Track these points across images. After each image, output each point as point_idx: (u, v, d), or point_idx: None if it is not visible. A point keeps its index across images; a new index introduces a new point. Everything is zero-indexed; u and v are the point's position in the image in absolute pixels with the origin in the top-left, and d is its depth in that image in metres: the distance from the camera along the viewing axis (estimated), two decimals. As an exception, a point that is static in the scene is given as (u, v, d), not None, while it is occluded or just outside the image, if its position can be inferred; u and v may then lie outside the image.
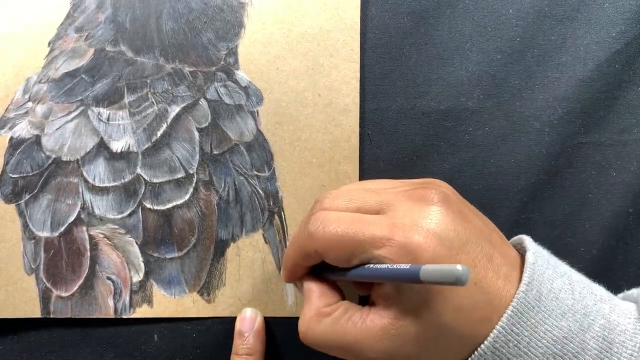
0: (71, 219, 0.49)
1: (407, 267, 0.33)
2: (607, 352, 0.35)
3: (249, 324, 0.48)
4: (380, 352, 0.36)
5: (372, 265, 0.36)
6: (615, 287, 0.49)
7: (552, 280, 0.36)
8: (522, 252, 0.39)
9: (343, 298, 0.41)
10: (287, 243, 0.50)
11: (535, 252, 0.38)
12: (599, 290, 0.38)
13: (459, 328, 0.35)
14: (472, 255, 0.35)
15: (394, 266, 0.34)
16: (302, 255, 0.40)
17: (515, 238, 0.41)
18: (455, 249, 0.35)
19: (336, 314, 0.38)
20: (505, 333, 0.34)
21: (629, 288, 0.49)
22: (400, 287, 0.36)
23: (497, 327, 0.34)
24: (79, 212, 0.49)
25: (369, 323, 0.37)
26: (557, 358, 0.34)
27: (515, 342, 0.34)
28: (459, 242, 0.35)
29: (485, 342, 0.35)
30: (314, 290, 0.41)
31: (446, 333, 0.35)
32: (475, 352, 0.35)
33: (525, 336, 0.34)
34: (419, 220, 0.36)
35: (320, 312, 0.39)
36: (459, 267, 0.30)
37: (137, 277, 0.49)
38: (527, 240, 0.39)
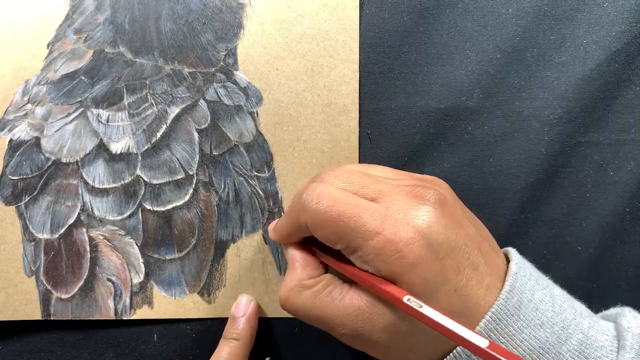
0: (71, 220, 0.49)
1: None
2: None
3: (242, 309, 0.48)
4: (352, 330, 0.37)
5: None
6: (614, 287, 0.49)
7: (533, 291, 0.37)
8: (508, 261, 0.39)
9: (326, 270, 0.42)
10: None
11: (519, 263, 0.38)
12: (580, 306, 0.39)
13: (431, 331, 0.35)
14: (458, 262, 0.35)
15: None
16: (295, 226, 0.40)
17: (503, 249, 0.41)
18: (441, 253, 0.35)
19: (317, 287, 0.39)
20: None
21: (628, 287, 0.49)
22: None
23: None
24: (79, 213, 0.49)
25: (346, 301, 0.37)
26: None
27: None
28: (447, 246, 0.35)
29: (459, 347, 0.35)
30: (298, 260, 0.41)
31: (417, 332, 0.36)
32: (450, 355, 0.35)
33: (502, 343, 0.35)
34: (411, 218, 0.35)
35: (301, 284, 0.40)
36: None
37: (137, 279, 0.49)
38: (512, 251, 0.40)
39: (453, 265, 0.35)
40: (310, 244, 0.42)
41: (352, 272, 0.38)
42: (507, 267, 0.38)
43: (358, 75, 0.50)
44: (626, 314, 0.39)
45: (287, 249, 0.43)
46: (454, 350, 0.35)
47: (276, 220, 0.46)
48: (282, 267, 0.50)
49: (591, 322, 0.37)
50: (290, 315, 0.49)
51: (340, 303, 0.37)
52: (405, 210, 0.36)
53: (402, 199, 0.37)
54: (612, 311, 0.41)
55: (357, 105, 0.50)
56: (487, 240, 0.39)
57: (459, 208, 0.39)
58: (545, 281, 0.39)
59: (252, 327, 0.48)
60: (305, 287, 0.39)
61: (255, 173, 0.50)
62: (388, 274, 0.35)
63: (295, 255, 0.42)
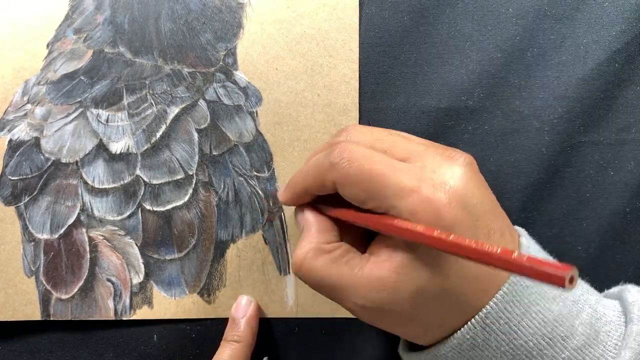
0: (71, 220, 0.49)
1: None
2: (594, 339, 0.35)
3: (242, 310, 0.48)
4: (372, 301, 0.36)
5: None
6: (614, 287, 0.49)
7: None
8: None
9: (341, 238, 0.40)
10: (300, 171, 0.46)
11: (528, 238, 0.38)
12: (585, 284, 0.39)
13: (458, 295, 0.35)
14: (489, 226, 0.35)
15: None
16: (317, 184, 0.39)
17: None
18: (476, 215, 0.34)
19: (336, 253, 0.38)
20: (498, 310, 0.35)
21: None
22: (412, 243, 0.35)
23: (491, 303, 0.35)
24: (79, 214, 0.49)
25: (367, 271, 0.36)
26: (546, 339, 0.35)
27: (507, 319, 0.35)
28: (482, 209, 0.35)
29: (477, 316, 0.35)
30: (314, 223, 0.40)
31: (445, 297, 0.35)
32: (465, 326, 0.35)
33: (517, 314, 0.35)
34: (448, 179, 0.35)
35: (319, 248, 0.38)
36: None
37: (137, 279, 0.49)
38: (518, 228, 0.40)
39: (484, 229, 0.35)
40: (322, 202, 0.41)
41: (377, 220, 0.36)
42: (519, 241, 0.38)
43: (358, 75, 0.50)
44: (630, 289, 0.39)
45: (302, 212, 0.41)
46: (469, 322, 0.35)
47: (284, 184, 0.43)
48: (281, 267, 0.50)
49: (597, 298, 0.38)
50: (290, 316, 0.49)
51: (359, 272, 0.36)
52: (440, 170, 0.35)
53: (436, 159, 0.36)
54: (614, 290, 0.41)
55: (357, 105, 0.50)
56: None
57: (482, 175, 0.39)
58: (551, 258, 0.39)
59: (253, 328, 0.48)
60: (323, 252, 0.38)
61: (255, 173, 0.50)
62: None
63: (311, 219, 0.40)
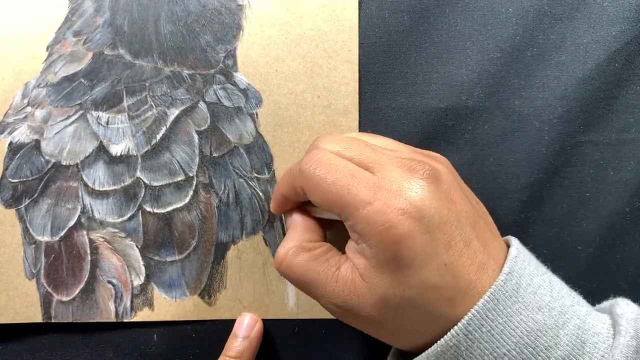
0: (71, 223, 0.49)
1: None
2: (579, 349, 0.35)
3: (245, 330, 0.49)
4: (343, 302, 0.37)
5: None
6: (614, 287, 0.50)
7: (531, 276, 0.37)
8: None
9: (325, 239, 0.42)
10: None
11: (519, 248, 0.38)
12: (577, 296, 0.39)
13: (422, 305, 0.35)
14: (449, 237, 0.36)
15: None
16: (291, 190, 0.41)
17: (504, 238, 0.41)
18: (432, 227, 0.35)
19: (317, 251, 0.39)
20: (480, 317, 0.35)
21: (628, 287, 0.50)
22: (371, 250, 0.36)
23: (472, 310, 0.35)
24: (79, 216, 0.49)
25: (342, 271, 0.37)
26: (529, 349, 0.35)
27: (489, 327, 0.35)
28: (439, 221, 0.35)
29: (460, 324, 0.35)
30: (300, 223, 0.42)
31: (410, 307, 0.36)
32: (449, 333, 0.35)
33: (500, 323, 0.35)
34: (405, 191, 0.36)
35: (302, 246, 0.40)
36: None
37: (138, 281, 0.49)
38: (512, 238, 0.40)
39: (444, 240, 0.35)
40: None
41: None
42: (508, 252, 0.38)
43: (358, 76, 0.50)
44: (619, 302, 0.39)
45: (290, 214, 0.43)
46: (452, 330, 0.35)
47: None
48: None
49: (588, 310, 0.38)
50: (290, 317, 0.50)
51: (335, 272, 0.38)
52: (398, 182, 0.36)
53: (396, 171, 0.37)
54: (606, 303, 0.41)
55: (357, 106, 0.50)
56: (484, 220, 0.39)
57: (454, 184, 0.39)
58: (543, 269, 0.39)
59: (252, 348, 0.48)
60: (304, 249, 0.39)
61: (255, 175, 0.50)
62: (376, 244, 0.35)
63: (297, 219, 0.42)
